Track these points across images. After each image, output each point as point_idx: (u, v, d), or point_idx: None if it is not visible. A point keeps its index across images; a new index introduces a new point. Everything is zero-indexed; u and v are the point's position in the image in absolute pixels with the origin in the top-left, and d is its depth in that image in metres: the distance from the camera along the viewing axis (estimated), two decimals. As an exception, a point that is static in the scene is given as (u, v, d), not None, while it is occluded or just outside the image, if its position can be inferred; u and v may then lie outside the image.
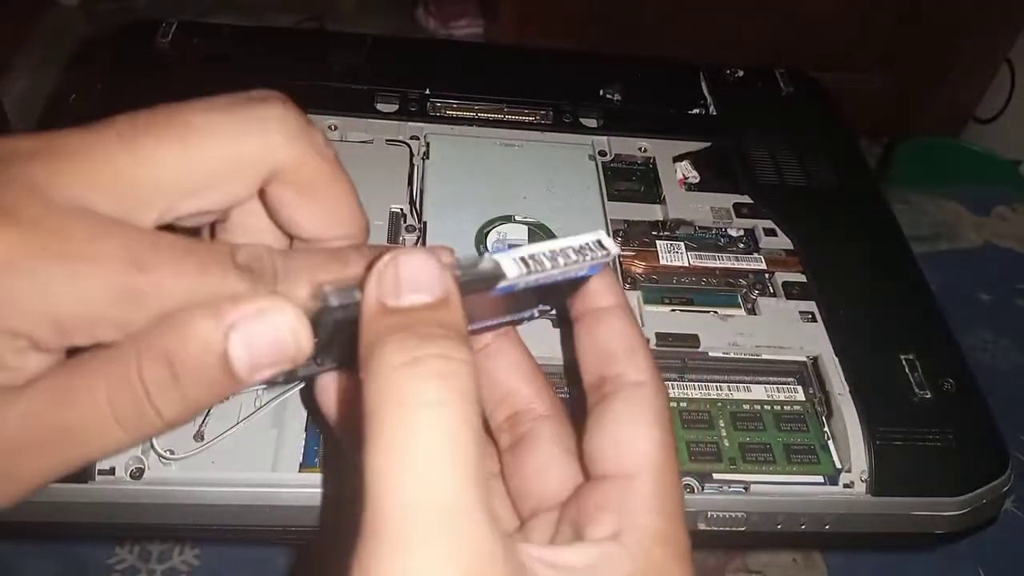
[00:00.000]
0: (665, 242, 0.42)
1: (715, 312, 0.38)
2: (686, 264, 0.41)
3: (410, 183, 0.42)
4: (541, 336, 0.34)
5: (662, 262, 0.40)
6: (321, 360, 0.22)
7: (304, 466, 0.31)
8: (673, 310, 0.38)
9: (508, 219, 0.41)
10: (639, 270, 0.40)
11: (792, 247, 0.42)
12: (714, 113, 0.51)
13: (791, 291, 0.39)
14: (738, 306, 0.39)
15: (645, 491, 0.20)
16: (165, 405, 0.17)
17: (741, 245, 0.42)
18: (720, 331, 0.37)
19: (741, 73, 0.53)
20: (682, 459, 0.33)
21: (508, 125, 0.47)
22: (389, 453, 0.16)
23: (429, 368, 0.16)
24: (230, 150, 0.19)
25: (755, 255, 0.41)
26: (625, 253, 0.41)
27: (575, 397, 0.29)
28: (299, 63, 0.48)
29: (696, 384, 0.36)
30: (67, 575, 0.46)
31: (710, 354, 0.36)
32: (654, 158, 0.46)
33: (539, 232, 0.40)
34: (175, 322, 0.17)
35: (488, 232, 0.40)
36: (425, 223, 0.40)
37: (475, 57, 0.57)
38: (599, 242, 0.20)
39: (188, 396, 0.17)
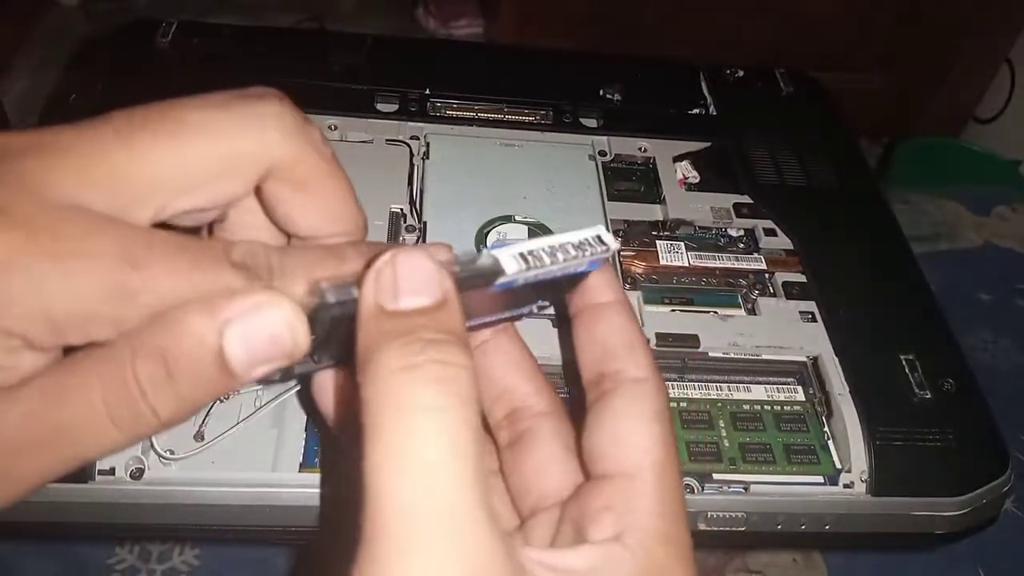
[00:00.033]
0: (665, 242, 0.42)
1: (715, 312, 0.38)
2: (686, 264, 0.41)
3: (410, 183, 0.42)
4: (540, 335, 0.34)
5: (662, 262, 0.40)
6: (318, 358, 0.22)
7: (304, 466, 0.31)
8: (673, 310, 0.38)
9: (508, 219, 0.41)
10: (639, 270, 0.40)
11: (792, 247, 0.42)
12: (714, 113, 0.51)
13: (791, 291, 0.39)
14: (738, 306, 0.39)
15: (647, 490, 0.20)
16: (160, 404, 0.17)
17: (741, 245, 0.42)
18: (720, 331, 0.37)
19: (741, 73, 0.53)
20: (682, 459, 0.33)
21: (508, 125, 0.47)
22: (388, 458, 0.16)
23: (427, 373, 0.16)
24: (226, 146, 0.19)
25: (755, 255, 0.41)
26: (625, 253, 0.41)
27: (574, 396, 0.29)
28: (299, 63, 0.48)
29: (696, 384, 0.35)
30: (67, 575, 0.46)
31: (710, 354, 0.36)
32: (654, 158, 0.46)
33: (539, 232, 0.40)
34: (169, 319, 0.17)
35: (488, 232, 0.40)
36: (425, 223, 0.40)
37: (475, 57, 0.57)
38: (598, 237, 0.20)
39: (184, 394, 0.17)
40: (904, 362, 0.37)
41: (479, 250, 0.33)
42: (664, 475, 0.20)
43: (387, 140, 0.44)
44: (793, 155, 0.47)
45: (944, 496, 0.33)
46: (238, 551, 0.48)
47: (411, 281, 0.18)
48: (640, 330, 0.23)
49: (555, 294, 0.25)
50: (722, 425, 0.34)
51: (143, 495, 0.30)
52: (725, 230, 0.43)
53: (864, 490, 0.33)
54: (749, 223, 0.43)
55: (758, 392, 0.36)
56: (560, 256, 0.20)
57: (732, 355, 0.36)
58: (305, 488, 0.31)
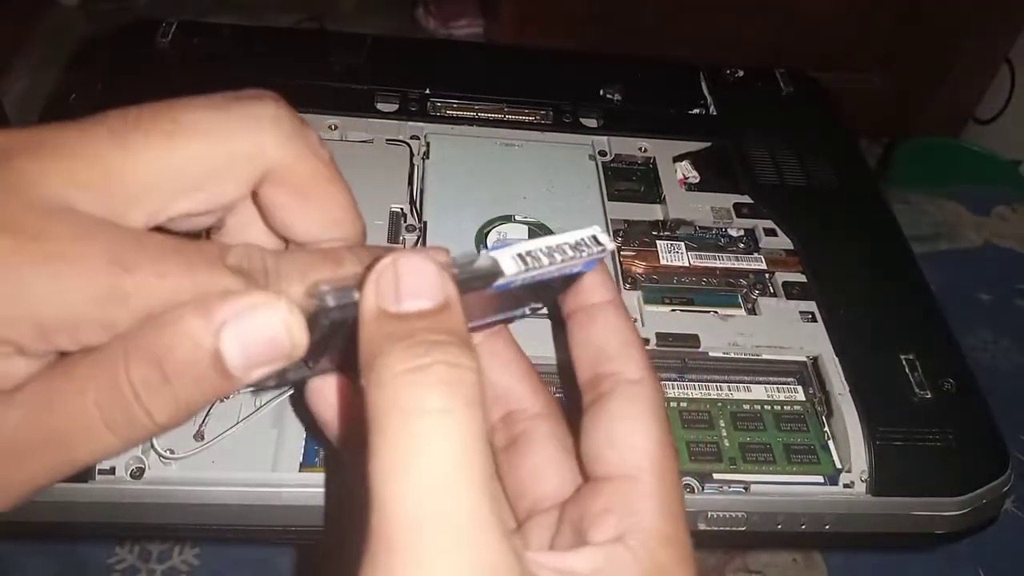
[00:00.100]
0: (665, 242, 0.42)
1: (715, 312, 0.38)
2: (686, 264, 0.41)
3: (410, 183, 0.42)
4: (535, 336, 0.34)
5: (662, 262, 0.40)
6: (312, 363, 0.21)
7: (304, 466, 0.31)
8: (673, 310, 0.38)
9: (508, 219, 0.41)
10: (639, 270, 0.40)
11: (792, 247, 0.42)
12: (714, 113, 0.51)
13: (791, 291, 0.39)
14: (738, 306, 0.39)
15: (647, 491, 0.20)
16: (156, 407, 0.17)
17: (741, 245, 0.42)
18: (720, 331, 0.37)
19: (741, 73, 0.53)
20: (682, 459, 0.33)
21: (508, 125, 0.47)
22: (393, 462, 0.15)
23: (434, 375, 0.16)
24: (222, 148, 0.19)
25: (755, 255, 0.41)
26: (625, 253, 0.41)
27: (571, 398, 0.29)
28: (299, 63, 0.48)
29: (696, 384, 0.36)
30: (67, 575, 0.46)
31: (710, 354, 0.36)
32: (654, 158, 0.46)
33: (539, 232, 0.40)
34: (163, 321, 0.16)
35: (488, 232, 0.40)
36: (425, 223, 0.40)
37: (475, 57, 0.57)
38: (595, 238, 0.20)
39: (179, 397, 0.17)
40: (904, 362, 0.37)
41: (479, 250, 0.33)
42: (664, 476, 0.20)
43: (387, 140, 0.44)
44: (793, 155, 0.47)
45: (944, 496, 0.33)
46: (238, 551, 0.48)
47: (413, 284, 0.17)
48: (635, 330, 0.23)
49: (548, 295, 0.24)
50: (722, 425, 0.34)
51: (143, 495, 0.30)
52: (725, 230, 0.43)
53: (864, 490, 0.33)
54: (749, 223, 0.43)
55: (758, 392, 0.36)
56: (558, 256, 0.20)
57: (732, 355, 0.36)
58: (305, 488, 0.31)
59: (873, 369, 0.36)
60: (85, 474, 0.30)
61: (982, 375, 0.38)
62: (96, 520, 0.31)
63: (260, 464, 0.31)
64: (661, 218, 0.43)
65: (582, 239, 0.20)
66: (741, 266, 0.41)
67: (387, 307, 0.17)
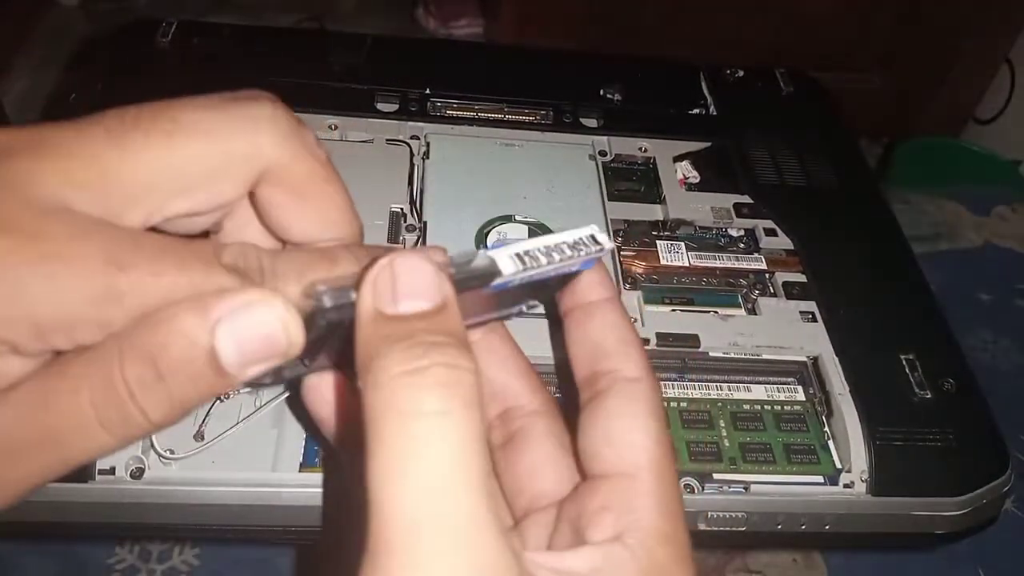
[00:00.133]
0: (665, 242, 0.41)
1: (715, 312, 0.38)
2: (686, 264, 0.41)
3: (410, 183, 0.42)
4: (532, 334, 0.34)
5: (662, 262, 0.40)
6: (309, 361, 0.21)
7: (304, 466, 0.31)
8: (673, 310, 0.38)
9: (508, 219, 0.41)
10: (639, 270, 0.40)
11: (792, 247, 0.42)
12: (714, 113, 0.51)
13: (791, 291, 0.39)
14: (738, 306, 0.39)
15: (646, 490, 0.20)
16: (151, 406, 0.17)
17: (741, 245, 0.42)
18: (720, 331, 0.37)
19: (741, 73, 0.53)
20: (682, 459, 0.33)
21: (508, 125, 0.46)
22: (392, 465, 0.15)
23: (431, 377, 0.16)
24: (219, 148, 0.19)
25: (755, 255, 0.41)
26: (625, 253, 0.41)
27: (569, 398, 0.29)
28: (299, 63, 0.47)
29: (696, 384, 0.35)
30: (67, 575, 0.46)
31: (710, 354, 0.36)
32: (654, 158, 0.46)
33: (539, 232, 0.40)
34: (158, 319, 0.16)
35: (488, 232, 0.40)
36: (425, 223, 0.40)
37: (475, 57, 0.57)
38: (593, 237, 0.20)
39: (175, 395, 0.17)
40: (904, 362, 0.37)
41: (479, 250, 0.33)
42: (662, 474, 0.20)
43: (387, 140, 0.44)
44: (793, 155, 0.47)
45: (944, 496, 0.33)
46: (238, 551, 0.48)
47: (410, 284, 0.17)
48: (633, 328, 0.23)
49: (545, 293, 0.24)
50: (722, 425, 0.34)
51: (143, 495, 0.30)
52: (725, 230, 0.43)
53: (864, 490, 0.33)
54: (749, 223, 0.43)
55: (758, 392, 0.36)
56: (556, 256, 0.20)
57: (732, 355, 0.36)
58: (305, 488, 0.31)
59: (873, 369, 0.36)
60: (85, 474, 0.30)
61: (982, 375, 0.38)
62: (96, 520, 0.31)
63: (260, 464, 0.31)
64: (661, 218, 0.43)
65: (580, 238, 0.20)
66: (741, 266, 0.41)
67: (384, 308, 0.17)
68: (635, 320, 0.37)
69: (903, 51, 1.22)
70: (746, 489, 0.32)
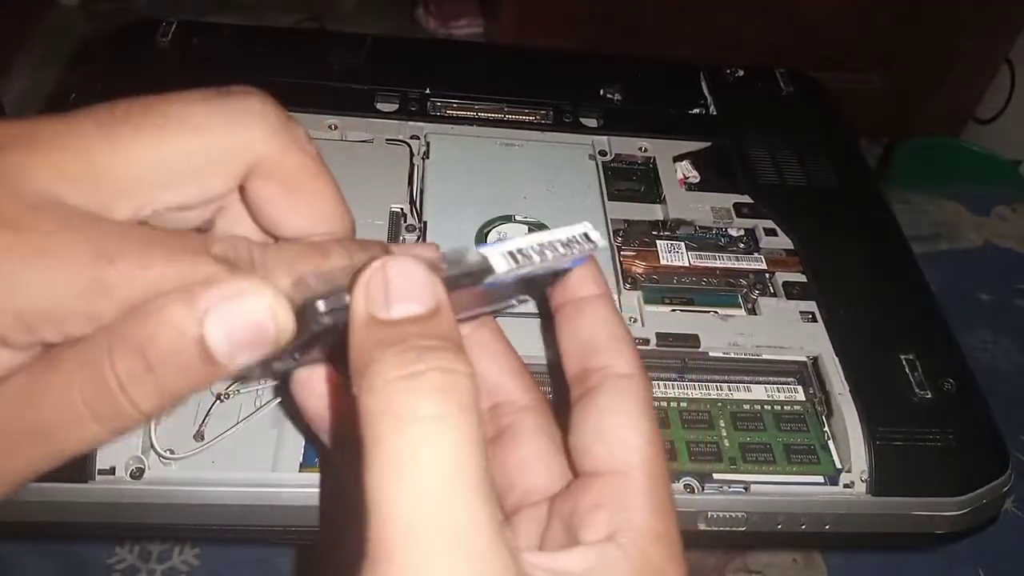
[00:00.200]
0: (665, 242, 0.42)
1: (715, 312, 0.38)
2: (686, 264, 0.41)
3: (410, 183, 0.42)
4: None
5: (662, 262, 0.40)
6: (299, 355, 0.21)
7: (304, 466, 0.31)
8: (673, 310, 0.38)
9: (508, 219, 0.41)
10: (639, 270, 0.40)
11: (792, 247, 0.42)
12: (714, 113, 0.51)
13: (791, 291, 0.39)
14: (738, 306, 0.39)
15: (638, 488, 0.20)
16: (141, 397, 0.16)
17: (741, 245, 0.42)
18: (720, 331, 0.37)
19: (741, 73, 0.53)
20: (682, 459, 0.33)
21: (508, 125, 0.47)
22: (388, 470, 0.15)
23: (427, 382, 0.16)
24: (209, 141, 0.19)
25: (755, 255, 0.41)
26: (625, 253, 0.41)
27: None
28: (299, 63, 0.48)
29: (696, 384, 0.35)
30: (67, 575, 0.46)
31: (710, 354, 0.36)
32: (654, 158, 0.46)
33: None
34: (146, 310, 0.16)
35: (488, 232, 0.40)
36: (425, 223, 0.40)
37: (475, 57, 0.57)
38: (585, 235, 0.20)
39: (164, 386, 0.17)
40: (904, 362, 0.37)
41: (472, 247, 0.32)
42: (654, 473, 0.20)
43: (387, 140, 0.44)
44: (793, 155, 0.47)
45: (944, 496, 0.33)
46: (238, 551, 0.48)
47: (402, 288, 0.17)
48: (624, 324, 0.23)
49: (537, 288, 0.24)
50: (722, 425, 0.34)
51: (143, 495, 0.30)
52: (725, 230, 0.43)
53: (864, 490, 0.33)
54: (749, 223, 0.43)
55: (758, 392, 0.36)
56: (548, 253, 0.20)
57: (732, 355, 0.36)
58: (305, 488, 0.31)
59: (873, 369, 0.36)
60: (85, 474, 0.30)
61: (982, 375, 0.38)
62: (96, 520, 0.31)
63: (260, 464, 0.31)
64: (661, 218, 0.43)
65: (573, 236, 0.20)
66: (741, 266, 0.41)
67: (377, 313, 0.17)
68: (635, 320, 0.37)
69: (903, 51, 1.22)
70: (746, 489, 0.32)
